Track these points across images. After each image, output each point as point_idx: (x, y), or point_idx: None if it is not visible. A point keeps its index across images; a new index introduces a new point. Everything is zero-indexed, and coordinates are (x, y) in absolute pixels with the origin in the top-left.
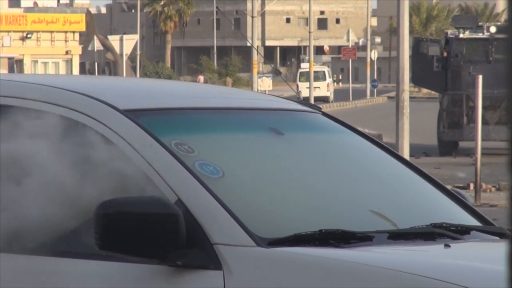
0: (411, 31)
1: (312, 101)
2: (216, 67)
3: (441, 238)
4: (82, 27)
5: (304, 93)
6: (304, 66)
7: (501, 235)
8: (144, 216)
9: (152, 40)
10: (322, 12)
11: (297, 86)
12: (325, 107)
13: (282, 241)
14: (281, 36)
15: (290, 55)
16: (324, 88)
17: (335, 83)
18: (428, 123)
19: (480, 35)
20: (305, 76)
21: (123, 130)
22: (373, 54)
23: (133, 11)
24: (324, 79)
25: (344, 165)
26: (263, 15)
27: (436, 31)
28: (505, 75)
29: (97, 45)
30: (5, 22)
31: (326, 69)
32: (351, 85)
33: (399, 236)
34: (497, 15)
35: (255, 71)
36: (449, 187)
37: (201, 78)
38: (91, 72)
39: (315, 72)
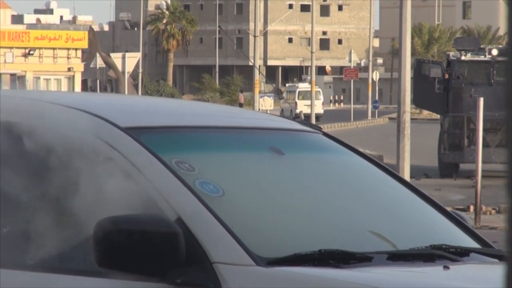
0: (413, 53)
1: (313, 118)
2: (218, 86)
3: (440, 259)
4: (85, 44)
5: (303, 110)
6: (302, 85)
7: (500, 257)
8: (144, 234)
9: (154, 58)
10: (324, 33)
11: (296, 103)
12: (326, 127)
13: (282, 261)
14: (283, 56)
15: (292, 75)
16: (320, 106)
17: (336, 104)
18: (429, 144)
19: (482, 58)
20: (302, 95)
21: (124, 147)
22: (375, 75)
23: (135, 29)
24: (319, 98)
25: (344, 185)
26: (265, 34)
27: (438, 53)
28: (504, 98)
29: (99, 62)
30: (8, 38)
31: (320, 89)
32: (352, 105)
33: (398, 257)
34: (499, 38)
35: (256, 90)
36: (449, 209)
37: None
38: (93, 90)
39: (311, 91)
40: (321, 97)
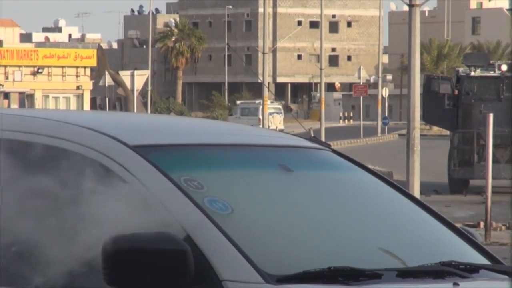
0: (422, 69)
1: (322, 133)
2: (227, 103)
3: (450, 276)
4: (93, 62)
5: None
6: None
7: (510, 274)
8: (152, 252)
9: (163, 75)
10: (333, 49)
11: (259, 119)
12: (335, 144)
13: (291, 278)
14: (292, 73)
15: (301, 92)
16: (281, 122)
17: (346, 120)
18: (439, 161)
19: (491, 73)
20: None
21: (132, 165)
22: (384, 92)
23: (144, 46)
24: (280, 114)
25: (353, 202)
26: (274, 51)
27: (448, 69)
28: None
29: (108, 80)
30: (17, 56)
31: (280, 105)
32: (362, 122)
33: (408, 274)
34: (509, 54)
35: (266, 107)
36: (459, 225)
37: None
38: (102, 108)
39: (273, 108)
40: (282, 113)
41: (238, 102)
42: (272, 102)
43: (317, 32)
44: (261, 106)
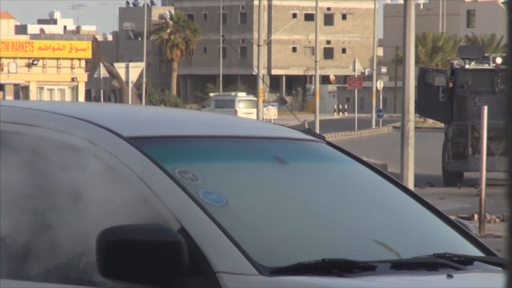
0: (417, 62)
1: (317, 126)
2: None
3: (444, 268)
4: (88, 54)
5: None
6: (241, 95)
7: (504, 266)
8: (147, 243)
9: (158, 68)
10: (328, 42)
11: (236, 111)
12: (330, 136)
13: (285, 270)
14: (287, 65)
15: (296, 84)
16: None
17: (340, 113)
18: (433, 153)
19: (486, 66)
20: (244, 103)
21: (127, 157)
22: (379, 84)
23: (139, 38)
24: (255, 107)
25: (347, 194)
26: (269, 44)
27: (442, 62)
28: (504, 105)
29: (103, 72)
30: (12, 48)
31: (255, 98)
32: (356, 114)
33: (402, 266)
34: (504, 46)
35: (260, 100)
36: (453, 217)
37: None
38: (97, 100)
39: (249, 100)
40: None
41: (211, 94)
42: (247, 94)
43: (312, 25)
44: (237, 98)
